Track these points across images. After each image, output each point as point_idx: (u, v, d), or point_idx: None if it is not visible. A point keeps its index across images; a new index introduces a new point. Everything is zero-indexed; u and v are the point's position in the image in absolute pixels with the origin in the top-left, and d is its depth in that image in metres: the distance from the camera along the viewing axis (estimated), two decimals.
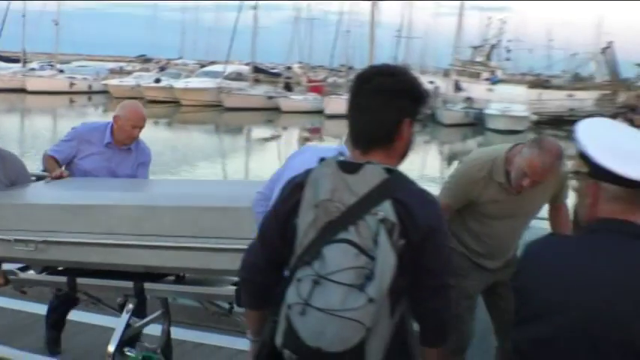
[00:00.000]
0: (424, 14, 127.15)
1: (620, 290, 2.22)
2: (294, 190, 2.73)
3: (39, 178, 6.33)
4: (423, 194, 2.70)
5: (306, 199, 2.61)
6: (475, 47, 70.16)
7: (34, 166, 6.89)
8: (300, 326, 2.48)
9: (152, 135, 38.92)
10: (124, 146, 5.55)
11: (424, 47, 75.23)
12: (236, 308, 4.81)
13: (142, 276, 4.58)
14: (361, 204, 2.52)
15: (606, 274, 2.26)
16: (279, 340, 2.60)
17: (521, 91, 52.70)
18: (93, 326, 6.41)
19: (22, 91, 56.38)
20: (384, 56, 65.59)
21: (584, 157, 2.34)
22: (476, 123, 48.94)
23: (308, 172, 2.70)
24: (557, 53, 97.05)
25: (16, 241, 4.37)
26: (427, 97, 2.83)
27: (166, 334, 5.21)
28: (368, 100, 2.72)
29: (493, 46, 71.81)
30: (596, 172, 2.32)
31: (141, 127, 5.57)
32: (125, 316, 4.76)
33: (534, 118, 46.08)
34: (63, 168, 5.38)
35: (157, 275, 4.64)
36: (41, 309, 6.32)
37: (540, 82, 65.95)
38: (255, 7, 57.66)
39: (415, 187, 2.70)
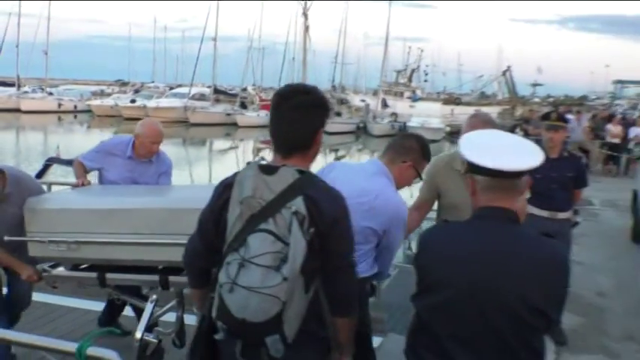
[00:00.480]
0: (357, 44, 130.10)
1: (500, 265, 2.42)
2: (224, 189, 2.80)
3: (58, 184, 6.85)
4: (330, 191, 2.77)
5: (234, 197, 2.70)
6: (399, 71, 71.65)
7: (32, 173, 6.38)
8: (229, 301, 2.62)
9: None
10: (143, 159, 5.38)
11: (357, 71, 75.72)
12: None
13: (164, 270, 4.45)
14: (278, 200, 2.61)
15: (488, 253, 2.46)
16: (213, 313, 2.74)
17: (436, 107, 54.13)
18: (74, 309, 6.42)
19: (17, 110, 56.76)
20: (324, 79, 66.11)
21: (462, 157, 2.62)
22: (400, 134, 48.56)
23: (235, 174, 2.79)
24: (466, 75, 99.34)
25: (50, 242, 4.26)
26: (332, 110, 3.59)
27: (180, 320, 4.92)
28: (289, 114, 2.76)
29: (413, 70, 73.16)
30: (469, 168, 2.56)
31: (159, 143, 5.44)
32: (150, 306, 4.69)
33: (448, 129, 45.65)
34: (88, 176, 5.30)
35: (176, 269, 4.32)
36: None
37: (452, 100, 66.94)
38: (214, 39, 58.10)
39: (323, 184, 2.79)
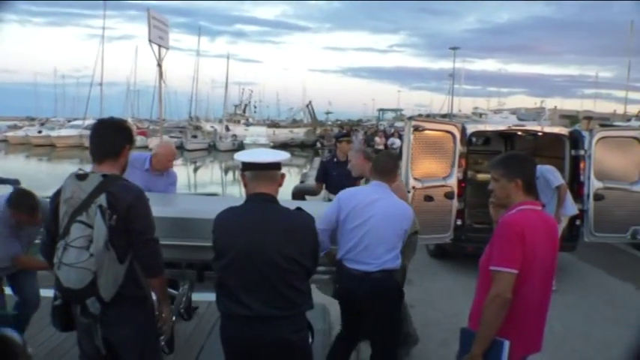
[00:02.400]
0: (206, 86, 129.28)
1: (263, 231, 2.49)
2: (56, 195, 2.66)
3: None
4: (127, 186, 2.64)
5: (61, 199, 2.59)
6: (236, 105, 71.32)
7: None
8: (59, 276, 2.54)
9: (37, 167, 36.46)
10: (158, 172, 4.88)
11: (207, 106, 76.11)
12: None
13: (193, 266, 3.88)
14: (89, 198, 2.51)
15: (255, 223, 2.51)
16: (55, 286, 2.62)
17: (263, 130, 52.89)
18: None
19: None
20: (183, 112, 67.78)
21: (237, 161, 2.67)
22: (239, 149, 46.29)
23: (65, 181, 2.64)
24: (282, 107, 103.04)
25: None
26: (133, 134, 2.86)
27: (189, 299, 4.77)
28: (102, 132, 2.74)
29: (246, 105, 74.11)
30: (242, 167, 2.64)
31: (173, 160, 5.04)
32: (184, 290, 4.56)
33: (271, 144, 41.89)
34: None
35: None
36: None
37: (274, 124, 67.76)
38: (100, 84, 55.12)
39: (122, 182, 2.65)
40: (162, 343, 3.84)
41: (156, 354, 2.92)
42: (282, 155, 2.71)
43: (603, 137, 6.89)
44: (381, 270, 3.44)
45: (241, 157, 2.66)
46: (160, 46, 6.07)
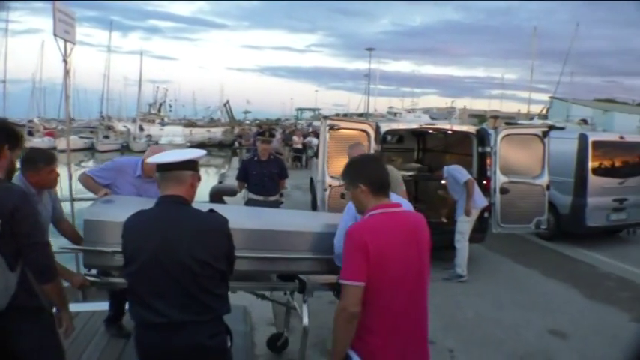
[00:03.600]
0: (118, 85, 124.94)
1: (174, 234, 2.36)
2: None
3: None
4: (9, 188, 2.57)
5: None
6: (150, 104, 69.32)
7: None
8: None
9: None
10: (149, 179, 4.41)
11: (120, 105, 73.24)
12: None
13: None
14: None
15: (165, 227, 2.38)
16: None
17: (179, 130, 52.38)
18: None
19: None
20: (94, 111, 63.40)
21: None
22: None
23: None
24: (199, 106, 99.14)
25: (115, 252, 3.15)
26: (19, 134, 2.76)
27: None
28: None
29: (161, 104, 72.12)
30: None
31: None
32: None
33: (188, 144, 41.83)
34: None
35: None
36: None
37: (191, 124, 66.07)
38: (4, 81, 50.93)
39: (4, 184, 2.57)
40: None
41: None
42: (190, 154, 2.54)
43: (507, 135, 7.28)
44: None
45: (148, 158, 2.55)
46: (66, 40, 5.76)
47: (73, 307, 3.96)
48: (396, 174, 5.34)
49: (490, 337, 5.34)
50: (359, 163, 2.68)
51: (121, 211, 3.32)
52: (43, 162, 3.32)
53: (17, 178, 3.18)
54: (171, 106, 79.39)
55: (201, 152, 2.61)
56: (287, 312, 4.67)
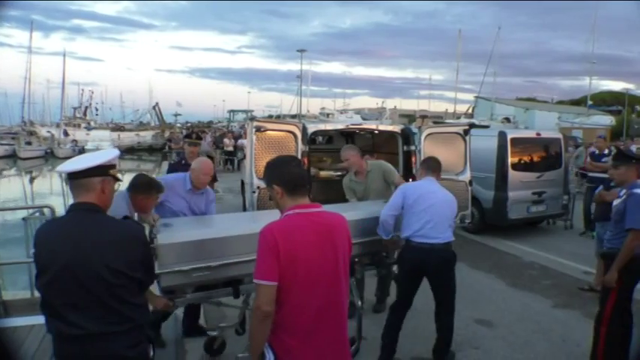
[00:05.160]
0: (41, 87, 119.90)
1: (87, 243, 2.28)
2: None
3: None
4: None
5: None
6: (76, 108, 66.79)
7: None
8: None
9: None
10: (198, 191, 4.84)
11: (42, 109, 70.34)
12: None
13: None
14: None
15: (77, 236, 2.29)
16: None
17: (107, 134, 51.11)
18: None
19: None
20: (15, 116, 63.77)
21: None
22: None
23: None
24: (127, 109, 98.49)
25: (193, 269, 3.52)
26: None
27: (243, 314, 4.50)
28: None
29: (87, 107, 69.03)
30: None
31: (210, 175, 4.91)
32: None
33: (117, 149, 43.80)
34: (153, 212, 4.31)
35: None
36: None
37: (119, 127, 64.33)
38: None
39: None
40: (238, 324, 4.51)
41: None
42: (97, 159, 2.43)
43: (430, 133, 7.46)
44: (445, 242, 4.52)
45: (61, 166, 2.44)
46: None
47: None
48: (387, 166, 5.97)
49: (419, 328, 5.43)
50: (273, 164, 2.67)
51: (187, 231, 3.74)
52: (141, 187, 3.93)
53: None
54: (97, 110, 76.54)
55: (112, 154, 2.52)
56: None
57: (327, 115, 52.40)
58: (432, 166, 4.81)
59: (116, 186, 2.58)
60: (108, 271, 2.28)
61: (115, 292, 2.32)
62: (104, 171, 2.44)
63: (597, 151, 10.25)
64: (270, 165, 2.68)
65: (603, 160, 9.82)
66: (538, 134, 10.68)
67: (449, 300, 4.68)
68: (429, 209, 4.46)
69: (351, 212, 4.30)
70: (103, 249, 2.30)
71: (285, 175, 2.55)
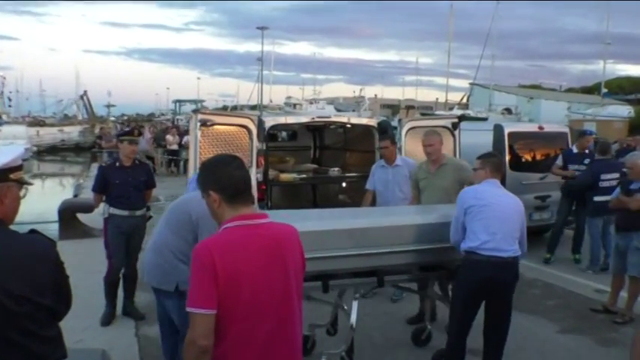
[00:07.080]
0: None
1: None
2: None
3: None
4: None
5: None
6: None
7: None
8: None
9: None
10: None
11: None
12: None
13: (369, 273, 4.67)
14: None
15: None
16: None
17: (22, 130, 48.12)
18: None
19: None
20: None
21: None
22: None
23: None
24: (49, 100, 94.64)
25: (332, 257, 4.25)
26: None
27: (335, 314, 5.19)
28: None
29: None
30: None
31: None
32: (355, 303, 4.81)
33: (35, 149, 42.73)
34: None
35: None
36: None
37: (37, 122, 62.24)
38: None
39: None
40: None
41: None
42: None
43: (413, 127, 7.51)
44: (514, 256, 4.60)
45: None
46: None
47: None
48: (467, 166, 5.97)
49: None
50: (209, 165, 2.61)
51: (307, 221, 4.45)
52: None
53: None
54: (10, 100, 75.34)
55: (13, 153, 2.41)
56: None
57: (294, 105, 52.46)
58: (498, 166, 4.97)
59: (22, 192, 2.44)
60: (7, 296, 2.15)
61: (18, 322, 2.20)
62: (2, 175, 2.32)
63: (577, 150, 9.61)
64: (204, 167, 2.62)
65: (585, 161, 9.24)
66: (541, 128, 10.79)
67: (506, 326, 4.85)
68: (499, 218, 4.59)
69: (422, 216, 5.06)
70: (3, 269, 2.18)
71: (223, 180, 2.47)
